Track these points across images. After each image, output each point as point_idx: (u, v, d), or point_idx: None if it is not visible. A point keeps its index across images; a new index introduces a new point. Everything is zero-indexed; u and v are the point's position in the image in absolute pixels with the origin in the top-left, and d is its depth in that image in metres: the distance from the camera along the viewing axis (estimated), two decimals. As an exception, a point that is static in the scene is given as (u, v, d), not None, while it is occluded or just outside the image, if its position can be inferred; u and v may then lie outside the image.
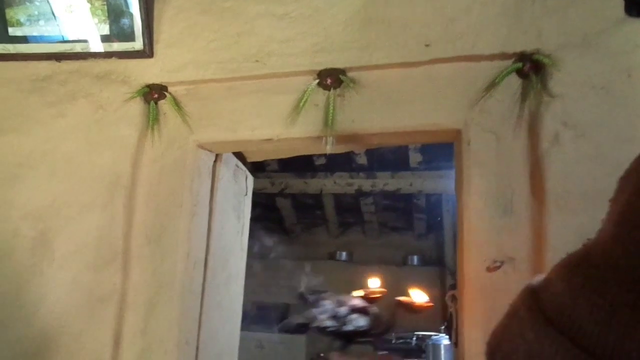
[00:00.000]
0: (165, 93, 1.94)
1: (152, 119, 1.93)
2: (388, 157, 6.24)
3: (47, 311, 1.91)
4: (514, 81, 1.66)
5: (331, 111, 1.77)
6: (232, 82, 1.90)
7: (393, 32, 1.76)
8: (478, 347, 1.57)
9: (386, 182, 6.36)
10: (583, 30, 1.60)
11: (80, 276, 1.91)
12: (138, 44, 1.88)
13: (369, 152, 6.17)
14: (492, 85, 1.67)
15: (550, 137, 1.56)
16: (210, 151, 2.04)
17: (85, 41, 1.92)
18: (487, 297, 1.59)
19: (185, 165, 1.93)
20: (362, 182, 6.39)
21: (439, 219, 7.08)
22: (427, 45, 1.72)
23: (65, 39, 1.94)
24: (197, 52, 1.92)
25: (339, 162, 6.29)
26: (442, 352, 4.85)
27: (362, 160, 6.22)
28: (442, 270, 7.14)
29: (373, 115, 1.77)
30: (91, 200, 1.94)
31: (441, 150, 5.79)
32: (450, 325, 1.93)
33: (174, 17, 1.96)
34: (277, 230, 7.81)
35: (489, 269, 1.61)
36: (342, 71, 1.79)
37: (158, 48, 1.94)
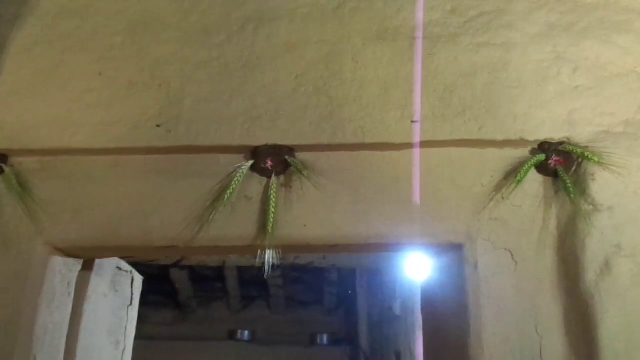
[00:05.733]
0: (3, 166, 1.22)
1: (-24, 207, 1.19)
2: (300, 227, 5.74)
3: None
4: (535, 179, 1.18)
5: (272, 209, 1.17)
6: (118, 156, 1.24)
7: (367, 98, 1.23)
8: None
9: (297, 254, 5.77)
10: (624, 116, 1.18)
11: None
12: (-41, 87, 1.16)
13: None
14: (505, 183, 1.17)
15: (597, 264, 1.09)
16: (74, 257, 1.31)
17: None
18: None
19: (27, 283, 1.19)
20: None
21: (349, 292, 6.65)
22: (413, 122, 1.21)
23: None
24: (63, 105, 1.26)
25: (245, 232, 5.63)
26: None
27: (272, 230, 5.61)
28: (353, 351, 6.63)
29: (335, 217, 1.19)
30: None
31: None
32: None
33: (26, 52, 1.28)
34: (169, 305, 6.88)
35: None
36: (290, 150, 1.21)
37: (-4, 96, 1.23)
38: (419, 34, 1.27)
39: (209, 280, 6.84)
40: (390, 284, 5.09)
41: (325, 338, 6.97)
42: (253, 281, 6.83)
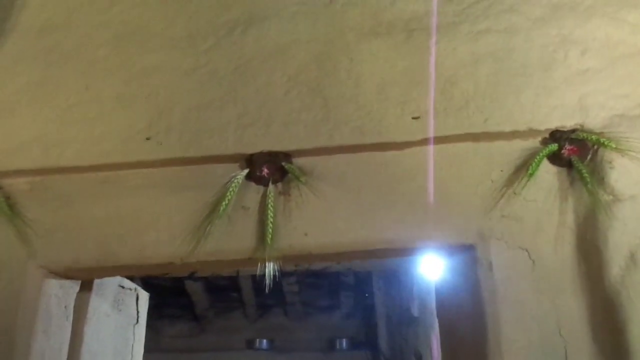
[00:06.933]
0: (-8, 189, 1.18)
1: (-35, 233, 1.15)
2: (313, 232, 5.67)
3: None
4: (548, 171, 1.11)
5: (270, 219, 1.11)
6: (109, 172, 1.19)
7: (364, 96, 1.16)
8: None
9: (299, 265, 5.69)
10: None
11: None
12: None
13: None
14: (516, 177, 1.10)
15: (622, 258, 1.01)
16: (70, 279, 1.26)
17: None
18: None
19: (20, 308, 1.14)
20: (285, 261, 5.67)
21: (367, 295, 6.56)
22: (415, 118, 1.14)
23: None
24: (49, 122, 1.22)
25: (258, 240, 5.58)
26: None
27: (285, 237, 5.55)
28: (373, 355, 6.53)
29: (338, 223, 1.13)
30: None
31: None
32: None
33: (10, 69, 1.24)
34: (186, 317, 6.85)
35: None
36: (286, 156, 1.15)
37: (-21, 116, 1.19)
38: (415, 25, 1.21)
39: (224, 290, 6.80)
40: (408, 285, 5.01)
41: (344, 342, 6.88)
42: (269, 289, 6.75)
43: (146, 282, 5.71)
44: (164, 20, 1.26)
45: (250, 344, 6.99)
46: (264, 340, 6.99)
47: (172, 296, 6.48)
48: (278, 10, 1.25)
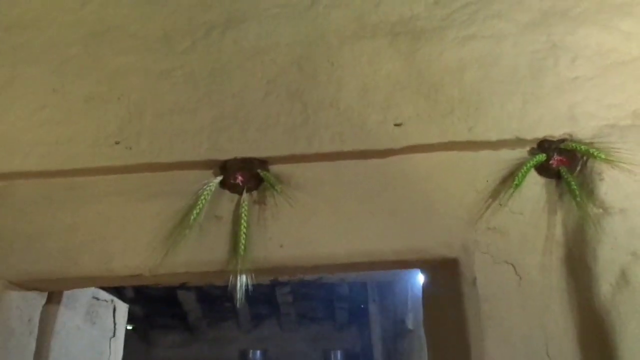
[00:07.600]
0: (-49, 195, 1.13)
1: None
2: (307, 242, 5.61)
3: None
4: (536, 182, 1.06)
5: (243, 229, 1.05)
6: (75, 178, 1.13)
7: (345, 102, 1.11)
8: None
9: (273, 277, 5.65)
10: (631, 106, 1.05)
11: None
12: None
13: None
14: (503, 187, 1.05)
15: (612, 275, 0.96)
16: (33, 290, 1.20)
17: None
18: None
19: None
20: (278, 272, 5.60)
21: (362, 306, 6.49)
22: (398, 125, 1.09)
23: None
24: (15, 124, 1.16)
25: (251, 249, 5.52)
26: None
27: (278, 246, 5.49)
28: (369, 367, 6.45)
29: (315, 235, 1.07)
30: None
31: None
32: None
33: (-26, 68, 1.18)
34: (178, 327, 6.77)
35: None
36: (262, 163, 1.09)
37: (-59, 118, 1.14)
38: (400, 29, 1.16)
39: (217, 300, 6.72)
40: (402, 296, 4.94)
41: (339, 354, 6.80)
42: (263, 299, 6.71)
43: (138, 292, 5.63)
44: (138, 20, 1.21)
45: (243, 355, 6.92)
46: (258, 351, 6.93)
47: (164, 306, 6.40)
48: (258, 11, 1.21)
